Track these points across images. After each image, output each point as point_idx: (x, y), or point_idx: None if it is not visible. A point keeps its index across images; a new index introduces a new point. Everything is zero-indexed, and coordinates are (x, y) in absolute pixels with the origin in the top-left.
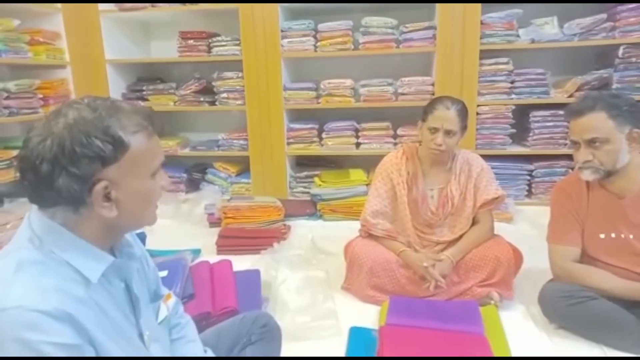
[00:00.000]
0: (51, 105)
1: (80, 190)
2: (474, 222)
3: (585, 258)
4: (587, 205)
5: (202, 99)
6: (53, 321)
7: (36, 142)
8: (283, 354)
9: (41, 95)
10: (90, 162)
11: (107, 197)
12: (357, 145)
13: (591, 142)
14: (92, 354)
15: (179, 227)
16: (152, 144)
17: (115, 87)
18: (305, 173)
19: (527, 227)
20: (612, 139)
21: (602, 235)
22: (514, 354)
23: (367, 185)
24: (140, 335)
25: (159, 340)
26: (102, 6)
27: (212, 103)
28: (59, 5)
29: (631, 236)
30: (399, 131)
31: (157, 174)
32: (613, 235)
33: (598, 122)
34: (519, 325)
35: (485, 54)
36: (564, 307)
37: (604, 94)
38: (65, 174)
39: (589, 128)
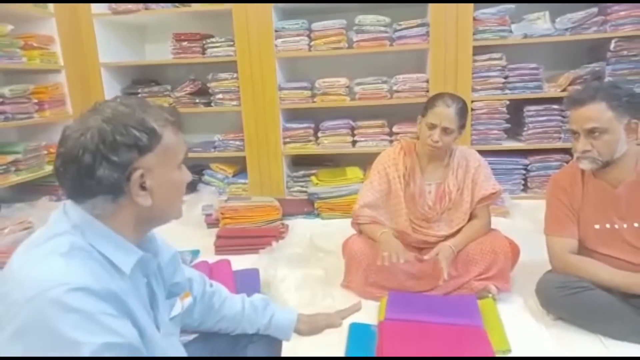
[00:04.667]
0: (46, 110)
1: (119, 179)
2: (471, 217)
3: (582, 249)
4: (581, 196)
5: (197, 101)
6: (99, 298)
7: (76, 137)
8: (284, 352)
9: (36, 100)
10: (129, 150)
11: (143, 186)
12: (353, 143)
13: (590, 132)
14: (134, 330)
15: (177, 228)
16: (178, 138)
17: (110, 91)
18: (302, 172)
19: (523, 221)
20: (611, 129)
21: (596, 226)
22: (512, 346)
23: (363, 182)
24: (157, 330)
25: (173, 334)
26: (95, 10)
27: (208, 104)
28: (52, 9)
29: (625, 226)
30: (395, 128)
31: (182, 167)
32: (607, 225)
33: (598, 112)
34: (517, 317)
35: (478, 50)
36: (560, 297)
37: (604, 84)
38: (106, 162)
39: (589, 118)
